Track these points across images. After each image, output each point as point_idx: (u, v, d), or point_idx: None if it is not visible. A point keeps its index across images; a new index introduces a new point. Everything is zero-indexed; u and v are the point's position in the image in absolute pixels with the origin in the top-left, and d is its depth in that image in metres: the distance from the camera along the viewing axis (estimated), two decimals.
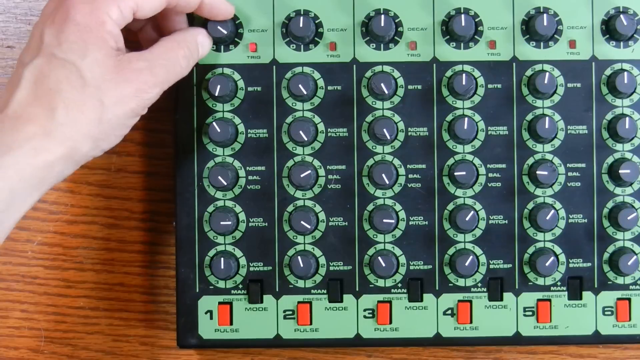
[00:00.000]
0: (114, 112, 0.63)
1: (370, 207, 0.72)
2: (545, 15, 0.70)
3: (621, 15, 0.70)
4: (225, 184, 0.71)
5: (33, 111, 0.61)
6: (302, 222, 0.71)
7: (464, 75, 0.71)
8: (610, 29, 0.71)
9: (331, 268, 0.72)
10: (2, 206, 0.60)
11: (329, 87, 0.72)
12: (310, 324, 0.72)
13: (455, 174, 0.71)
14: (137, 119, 0.66)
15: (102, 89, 0.62)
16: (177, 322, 0.72)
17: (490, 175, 0.72)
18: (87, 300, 0.77)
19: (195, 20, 0.71)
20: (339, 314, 0.72)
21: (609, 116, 0.72)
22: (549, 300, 0.72)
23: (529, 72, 0.72)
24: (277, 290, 0.72)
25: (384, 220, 0.71)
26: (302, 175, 0.71)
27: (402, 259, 0.72)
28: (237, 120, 0.72)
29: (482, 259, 0.72)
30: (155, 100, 0.65)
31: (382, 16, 0.71)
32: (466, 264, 0.71)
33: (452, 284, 0.72)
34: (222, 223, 0.71)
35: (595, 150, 0.72)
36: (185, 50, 0.67)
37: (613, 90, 0.71)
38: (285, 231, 0.72)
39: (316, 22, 0.72)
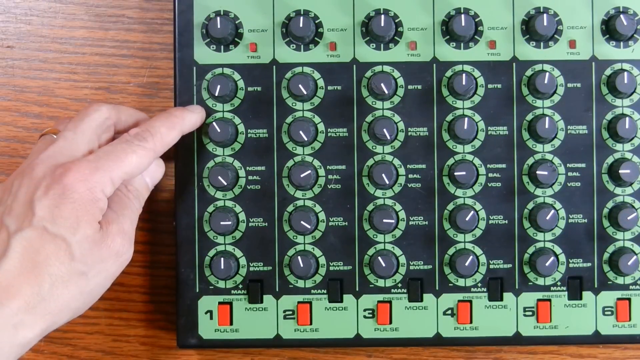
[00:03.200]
0: (95, 282, 0.64)
1: (370, 207, 0.72)
2: (545, 15, 0.70)
3: (621, 15, 0.70)
4: (225, 184, 0.71)
5: (19, 285, 0.60)
6: (302, 222, 0.71)
7: (464, 75, 0.71)
8: (610, 29, 0.71)
9: (331, 268, 0.72)
10: None
11: (329, 87, 0.72)
12: (310, 324, 0.72)
13: (455, 174, 0.71)
14: (109, 284, 0.66)
15: (87, 262, 0.63)
16: (177, 322, 0.72)
17: (490, 175, 0.72)
18: None
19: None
20: (339, 314, 0.72)
21: (609, 116, 0.72)
22: (549, 300, 0.72)
23: (529, 72, 0.72)
24: (277, 290, 0.72)
25: (384, 220, 0.71)
26: (302, 175, 0.71)
27: (402, 259, 0.72)
28: (237, 120, 0.72)
29: (482, 259, 0.72)
30: (128, 261, 0.67)
31: (382, 16, 0.71)
32: (466, 264, 0.71)
33: (452, 284, 0.72)
34: (222, 223, 0.71)
35: (595, 150, 0.72)
36: (134, 193, 0.68)
37: (613, 90, 0.71)
38: (285, 231, 0.72)
39: (316, 22, 0.72)
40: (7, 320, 0.59)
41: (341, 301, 0.72)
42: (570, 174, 0.72)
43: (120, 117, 0.69)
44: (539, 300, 0.72)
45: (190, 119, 0.70)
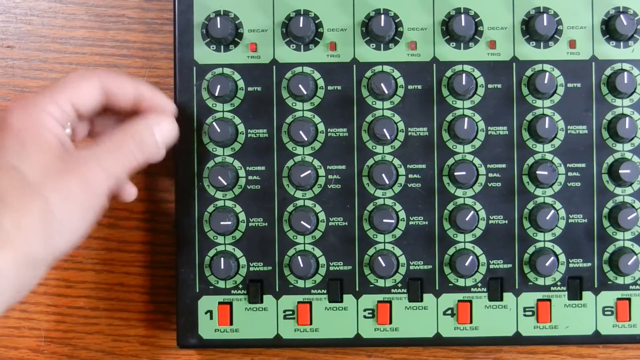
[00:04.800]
0: (64, 209, 0.61)
1: (370, 207, 0.72)
2: (545, 15, 0.70)
3: (621, 15, 0.70)
4: (225, 184, 0.71)
5: None
6: (302, 222, 0.71)
7: (464, 75, 0.71)
8: (610, 29, 0.71)
9: (331, 268, 0.72)
10: None
11: (329, 87, 0.72)
12: (310, 324, 0.72)
13: (455, 174, 0.71)
14: (95, 212, 0.63)
15: (46, 185, 0.61)
16: (177, 322, 0.72)
17: (490, 175, 0.72)
18: (87, 300, 0.77)
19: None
20: (339, 314, 0.72)
21: (609, 116, 0.72)
22: (549, 300, 0.72)
23: (529, 72, 0.72)
24: (277, 290, 0.72)
25: (384, 220, 0.71)
26: (302, 175, 0.71)
27: (402, 259, 0.72)
28: (237, 120, 0.72)
29: (482, 259, 0.72)
30: (108, 189, 0.63)
31: (382, 16, 0.71)
32: (466, 264, 0.71)
33: (452, 284, 0.72)
34: (222, 223, 0.71)
35: (595, 150, 0.72)
36: (135, 137, 0.65)
37: (613, 90, 0.71)
38: (285, 231, 0.72)
39: (316, 22, 0.72)
40: None
41: (341, 301, 0.72)
42: (570, 174, 0.72)
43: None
44: (539, 300, 0.72)
45: (154, 91, 0.68)
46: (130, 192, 0.70)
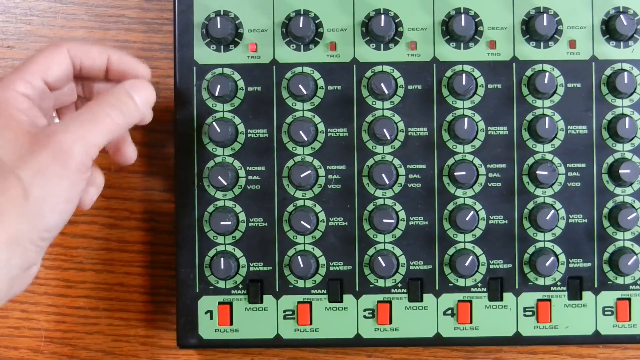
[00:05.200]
0: (38, 183, 0.60)
1: (370, 207, 0.72)
2: (545, 15, 0.70)
3: (621, 15, 0.70)
4: (225, 184, 0.71)
5: None
6: (302, 222, 0.71)
7: (464, 75, 0.71)
8: (610, 29, 0.71)
9: (331, 268, 0.72)
10: None
11: (329, 87, 0.72)
12: (310, 324, 0.72)
13: (455, 174, 0.71)
14: (78, 185, 0.62)
15: (18, 163, 0.60)
16: (177, 322, 0.72)
17: (490, 175, 0.72)
18: (87, 300, 0.77)
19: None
20: (339, 314, 0.72)
21: (609, 116, 0.72)
22: (549, 300, 0.72)
23: (529, 72, 0.72)
24: (277, 290, 0.72)
25: (384, 220, 0.71)
26: (302, 175, 0.71)
27: (402, 259, 0.72)
28: (237, 120, 0.72)
29: (482, 259, 0.72)
30: (85, 158, 0.61)
31: (382, 16, 0.71)
32: (466, 264, 0.71)
33: (452, 284, 0.72)
34: (222, 223, 0.71)
35: (595, 150, 0.72)
36: (112, 102, 0.64)
37: (613, 90, 0.71)
38: (285, 231, 0.72)
39: (316, 22, 0.72)
40: None
41: (341, 301, 0.72)
42: (570, 174, 0.72)
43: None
44: (539, 300, 0.72)
45: (124, 54, 0.67)
46: (129, 155, 0.69)
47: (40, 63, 0.64)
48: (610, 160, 0.72)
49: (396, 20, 0.72)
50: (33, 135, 0.61)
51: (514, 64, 0.72)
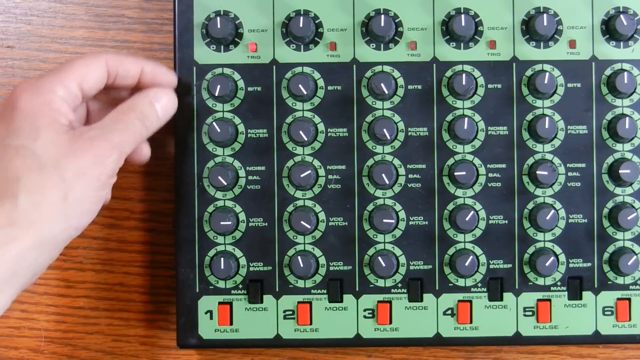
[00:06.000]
0: (78, 185, 0.62)
1: (370, 207, 0.72)
2: (545, 15, 0.70)
3: (621, 15, 0.70)
4: (225, 184, 0.71)
5: None
6: (302, 222, 0.71)
7: (464, 75, 0.71)
8: (610, 29, 0.71)
9: (331, 268, 0.72)
10: None
11: (329, 87, 0.72)
12: (310, 324, 0.72)
13: (455, 174, 0.71)
14: (107, 188, 0.65)
15: (60, 165, 0.62)
16: (177, 322, 0.72)
17: (490, 175, 0.72)
18: (87, 300, 0.77)
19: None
20: (339, 314, 0.72)
21: (609, 116, 0.72)
22: (549, 300, 0.72)
23: (529, 72, 0.72)
24: (277, 290, 0.72)
25: (384, 220, 0.71)
26: (302, 175, 0.71)
27: (402, 259, 0.72)
28: (237, 120, 0.72)
29: (482, 259, 0.72)
30: (118, 165, 0.65)
31: (382, 16, 0.71)
32: (466, 264, 0.71)
33: (452, 284, 0.72)
34: (222, 223, 0.71)
35: (595, 150, 0.72)
36: (138, 112, 0.67)
37: (613, 90, 0.71)
38: (285, 231, 0.72)
39: (316, 22, 0.72)
40: None
41: (341, 301, 0.72)
42: (570, 174, 0.72)
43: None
44: (539, 300, 0.72)
45: (156, 65, 0.70)
46: (145, 153, 0.71)
47: (79, 71, 0.65)
48: (610, 160, 0.72)
49: (396, 20, 0.72)
50: (72, 137, 0.63)
51: (514, 64, 0.72)
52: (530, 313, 0.72)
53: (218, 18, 0.71)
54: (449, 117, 0.72)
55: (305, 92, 0.71)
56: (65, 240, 0.63)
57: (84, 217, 0.64)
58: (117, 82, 0.68)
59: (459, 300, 0.72)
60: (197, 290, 0.72)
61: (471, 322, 0.72)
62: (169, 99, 0.69)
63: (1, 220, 0.60)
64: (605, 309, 0.72)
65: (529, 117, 0.72)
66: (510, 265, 0.72)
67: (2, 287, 0.60)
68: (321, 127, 0.72)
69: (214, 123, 0.71)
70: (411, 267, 0.72)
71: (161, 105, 0.69)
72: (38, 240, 0.61)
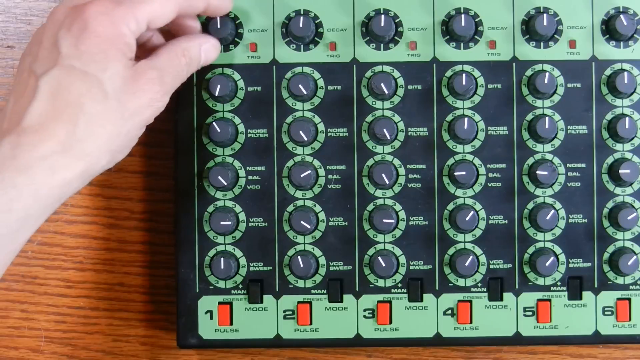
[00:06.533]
0: (131, 123, 0.62)
1: (370, 207, 0.72)
2: (545, 15, 0.70)
3: (621, 15, 0.70)
4: (225, 184, 0.71)
5: (52, 126, 0.59)
6: (302, 222, 0.71)
7: (464, 75, 0.71)
8: (610, 29, 0.71)
9: (331, 268, 0.72)
10: (15, 226, 0.58)
11: (329, 87, 0.72)
12: (310, 324, 0.72)
13: (455, 174, 0.71)
14: (144, 129, 0.65)
15: (122, 101, 0.61)
16: (177, 322, 0.72)
17: (490, 175, 0.72)
18: (87, 300, 0.77)
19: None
20: (339, 314, 0.72)
21: (609, 116, 0.72)
22: (549, 300, 0.72)
23: (529, 72, 0.72)
24: (277, 290, 0.72)
25: (384, 220, 0.71)
26: (302, 175, 0.71)
27: (402, 259, 0.72)
28: (237, 120, 0.72)
29: (482, 259, 0.72)
30: (163, 108, 0.65)
31: (382, 16, 0.71)
32: (466, 264, 0.71)
33: (452, 284, 0.72)
34: (222, 223, 0.71)
35: (595, 150, 0.72)
36: (188, 58, 0.67)
37: (613, 90, 0.71)
38: (285, 231, 0.72)
39: (316, 22, 0.72)
40: (41, 162, 0.58)
41: (341, 301, 0.72)
42: (570, 174, 0.72)
43: None
44: (539, 300, 0.72)
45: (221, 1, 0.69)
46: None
47: (153, 10, 0.63)
48: (610, 160, 0.72)
49: (396, 20, 0.72)
50: (135, 74, 0.62)
51: (514, 64, 0.72)
52: (530, 313, 0.72)
53: (218, 18, 0.71)
54: (449, 117, 0.72)
55: (305, 92, 0.71)
56: (104, 169, 0.63)
57: (124, 153, 0.64)
58: (176, 21, 0.68)
59: (459, 300, 0.72)
60: (197, 290, 0.72)
61: (471, 322, 0.72)
62: (215, 46, 0.69)
63: (55, 147, 0.59)
64: (605, 309, 0.72)
65: (529, 117, 0.72)
66: (510, 265, 0.72)
67: (45, 211, 0.60)
68: (321, 127, 0.72)
69: (214, 123, 0.71)
70: (411, 267, 0.72)
71: (206, 51, 0.68)
72: (85, 171, 0.60)
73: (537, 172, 0.71)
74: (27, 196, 0.58)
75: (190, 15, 0.68)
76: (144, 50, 0.68)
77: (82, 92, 0.60)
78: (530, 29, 0.71)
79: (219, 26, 0.71)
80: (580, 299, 0.72)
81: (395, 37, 0.72)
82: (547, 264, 0.71)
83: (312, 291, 0.72)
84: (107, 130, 0.61)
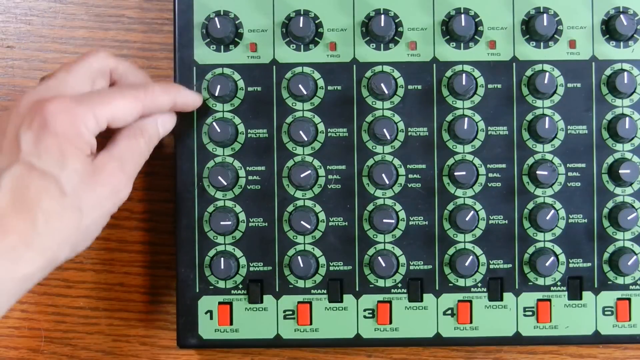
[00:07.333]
0: (92, 217, 0.63)
1: (370, 207, 0.72)
2: (545, 15, 0.70)
3: (621, 15, 0.70)
4: (225, 184, 0.71)
5: (12, 222, 0.60)
6: (302, 222, 0.71)
7: (464, 75, 0.71)
8: (610, 29, 0.71)
9: (331, 268, 0.72)
10: None
11: (329, 87, 0.72)
12: (310, 324, 0.72)
13: (455, 174, 0.71)
14: (108, 219, 0.66)
15: (80, 197, 0.62)
16: (177, 322, 0.72)
17: (490, 175, 0.72)
18: (87, 300, 0.77)
19: None
20: (339, 314, 0.72)
21: (609, 116, 0.72)
22: (549, 300, 0.72)
23: (529, 72, 0.72)
24: (277, 290, 0.72)
25: (384, 220, 0.71)
26: (302, 175, 0.71)
27: (402, 259, 0.72)
28: (237, 120, 0.72)
29: (482, 259, 0.72)
30: (128, 194, 0.66)
31: (382, 16, 0.71)
32: (466, 264, 0.71)
33: (452, 284, 0.72)
34: (222, 223, 0.71)
35: (595, 150, 0.72)
36: (146, 137, 0.67)
37: (613, 90, 0.71)
38: (285, 231, 0.72)
39: (316, 22, 0.72)
40: (3, 256, 0.59)
41: (341, 301, 0.72)
42: (570, 174, 0.72)
43: (118, 68, 0.68)
44: (539, 300, 0.72)
45: (186, 93, 0.69)
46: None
47: (114, 109, 0.64)
48: (610, 160, 0.72)
49: (396, 20, 0.72)
50: (94, 170, 0.63)
51: (514, 64, 0.72)
52: (530, 313, 0.72)
53: (218, 18, 0.71)
54: (449, 117, 0.72)
55: (305, 92, 0.71)
56: (68, 259, 0.64)
57: (85, 245, 0.65)
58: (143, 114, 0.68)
59: (459, 300, 0.72)
60: (197, 290, 0.72)
61: (471, 322, 0.72)
62: (171, 120, 0.70)
63: (16, 241, 0.60)
64: (605, 309, 0.72)
65: (529, 117, 0.72)
66: (510, 265, 0.72)
67: (8, 301, 0.60)
68: (321, 127, 0.72)
69: (214, 123, 0.71)
70: (411, 267, 0.72)
71: (164, 125, 0.69)
72: (47, 264, 0.62)
73: (537, 172, 0.70)
74: None
75: (156, 112, 0.69)
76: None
77: (40, 190, 0.61)
78: (530, 29, 0.71)
79: (218, 26, 0.71)
80: (580, 299, 0.72)
81: (395, 37, 0.72)
82: (547, 264, 0.71)
83: (312, 291, 0.72)
84: (66, 226, 0.62)
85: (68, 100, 0.63)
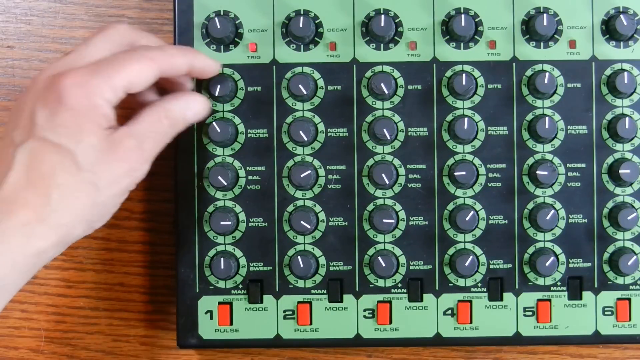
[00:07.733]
0: (108, 193, 0.63)
1: (370, 207, 0.72)
2: (545, 15, 0.70)
3: (621, 15, 0.70)
4: (225, 184, 0.71)
5: (27, 197, 0.60)
6: (302, 222, 0.71)
7: (464, 75, 0.71)
8: (610, 29, 0.71)
9: (331, 268, 0.72)
10: None
11: (329, 87, 0.72)
12: (310, 324, 0.72)
13: (455, 174, 0.71)
14: (127, 195, 0.65)
15: (96, 172, 0.62)
16: (177, 322, 0.72)
17: (490, 175, 0.72)
18: (87, 300, 0.77)
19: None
20: (339, 314, 0.72)
21: (609, 116, 0.72)
22: (549, 300, 0.72)
23: (529, 72, 0.72)
24: (277, 290, 0.72)
25: (384, 220, 0.71)
26: (302, 175, 0.71)
27: (402, 259, 0.72)
28: (237, 120, 0.72)
29: (482, 259, 0.72)
30: (145, 174, 0.65)
31: (382, 16, 0.71)
32: (466, 264, 0.71)
33: (452, 284, 0.72)
34: (222, 223, 0.71)
35: (595, 150, 0.72)
36: (171, 119, 0.66)
37: (613, 90, 0.71)
38: (285, 231, 0.72)
39: (316, 22, 0.72)
40: (17, 231, 0.59)
41: (341, 301, 0.72)
42: (570, 174, 0.72)
43: (140, 41, 0.67)
44: (539, 300, 0.72)
45: (203, 57, 0.68)
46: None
47: (130, 74, 0.63)
48: (610, 160, 0.72)
49: (396, 20, 0.72)
50: (111, 145, 0.62)
51: (514, 64, 0.72)
52: (530, 313, 0.72)
53: (218, 18, 0.71)
54: (449, 117, 0.72)
55: (305, 92, 0.71)
56: (78, 239, 0.64)
57: (102, 221, 0.64)
58: (159, 82, 0.67)
59: (459, 300, 0.72)
60: (197, 290, 0.72)
61: (471, 322, 0.72)
62: (203, 104, 0.68)
63: (30, 216, 0.60)
64: (605, 309, 0.72)
65: (529, 117, 0.72)
66: (510, 265, 0.72)
67: (21, 278, 0.60)
68: (321, 127, 0.72)
69: (214, 123, 0.71)
70: (411, 267, 0.72)
71: (193, 110, 0.68)
72: (61, 240, 0.61)
73: (537, 172, 0.71)
74: (4, 264, 0.59)
75: (170, 77, 0.68)
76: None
77: (55, 165, 0.61)
78: (530, 29, 0.71)
79: (218, 26, 0.71)
80: (580, 299, 0.72)
81: (395, 37, 0.72)
82: (547, 264, 0.71)
83: (312, 291, 0.72)
84: (81, 201, 0.61)
85: (82, 72, 0.62)
